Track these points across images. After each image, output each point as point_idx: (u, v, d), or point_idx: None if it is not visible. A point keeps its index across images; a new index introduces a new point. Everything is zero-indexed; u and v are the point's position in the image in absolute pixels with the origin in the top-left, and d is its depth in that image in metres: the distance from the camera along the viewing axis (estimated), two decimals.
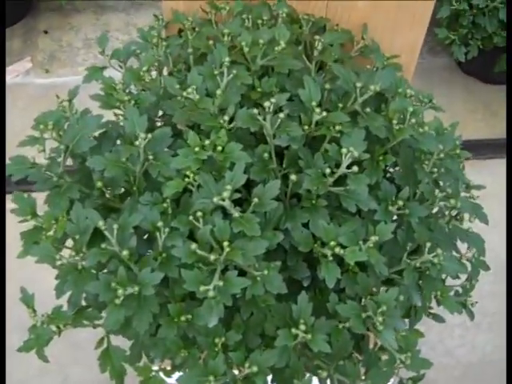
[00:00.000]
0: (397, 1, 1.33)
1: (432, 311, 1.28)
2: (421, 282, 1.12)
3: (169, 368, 1.18)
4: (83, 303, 1.11)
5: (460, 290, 1.28)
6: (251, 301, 1.06)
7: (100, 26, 2.67)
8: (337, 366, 1.08)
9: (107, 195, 1.11)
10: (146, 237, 1.08)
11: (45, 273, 1.12)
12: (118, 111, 1.19)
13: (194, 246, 0.95)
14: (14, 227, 1.17)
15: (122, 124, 1.18)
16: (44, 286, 1.16)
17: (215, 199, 0.97)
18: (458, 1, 2.29)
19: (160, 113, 1.22)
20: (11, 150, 2.15)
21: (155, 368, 1.19)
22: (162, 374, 1.20)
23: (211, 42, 1.19)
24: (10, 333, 1.87)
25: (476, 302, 1.30)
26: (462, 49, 2.37)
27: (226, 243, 0.96)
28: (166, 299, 1.07)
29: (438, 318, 1.25)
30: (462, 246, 1.26)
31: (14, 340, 1.82)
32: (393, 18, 1.37)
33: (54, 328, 1.09)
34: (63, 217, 1.09)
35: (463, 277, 1.29)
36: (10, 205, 2.04)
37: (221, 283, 0.95)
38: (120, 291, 0.94)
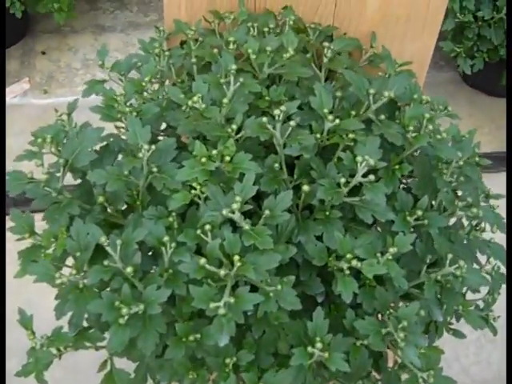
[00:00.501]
0: (407, 9, 1.29)
1: (452, 327, 1.22)
2: (441, 296, 1.06)
3: None
4: (85, 324, 1.05)
5: (481, 305, 1.22)
6: (263, 318, 1.00)
7: (98, 47, 2.62)
8: None
9: (109, 210, 1.06)
10: (150, 253, 1.03)
11: (45, 291, 1.06)
12: (119, 123, 1.14)
13: (202, 260, 0.90)
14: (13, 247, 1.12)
15: (123, 137, 1.14)
16: (44, 305, 1.10)
17: (224, 212, 0.92)
18: (463, 13, 2.25)
19: (163, 126, 1.17)
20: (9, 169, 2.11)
21: None
22: None
23: (216, 50, 1.14)
24: (8, 357, 1.80)
25: (498, 317, 1.23)
26: (468, 61, 2.33)
27: (236, 257, 0.90)
28: (173, 318, 1.01)
29: (458, 334, 1.19)
30: (481, 258, 1.21)
31: (12, 364, 1.76)
32: (402, 26, 1.33)
33: (54, 351, 1.03)
34: (63, 234, 1.03)
35: (483, 291, 1.23)
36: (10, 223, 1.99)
37: (232, 300, 0.89)
38: (124, 310, 0.89)
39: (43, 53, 2.63)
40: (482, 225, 1.14)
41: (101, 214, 1.06)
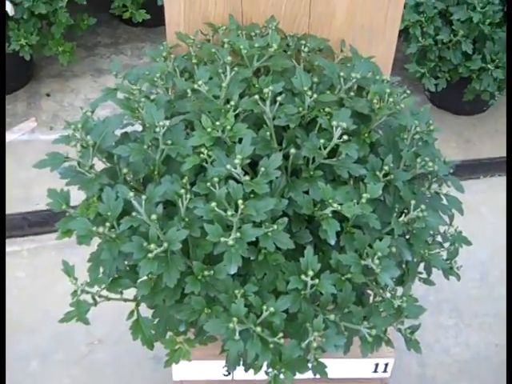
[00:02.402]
0: (368, 19, 1.53)
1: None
2: (409, 238, 1.28)
3: (192, 337, 1.31)
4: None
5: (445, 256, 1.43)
6: (263, 262, 1.22)
7: (98, 87, 2.88)
8: (342, 314, 1.22)
9: (131, 183, 1.27)
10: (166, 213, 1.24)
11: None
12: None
13: (213, 204, 1.11)
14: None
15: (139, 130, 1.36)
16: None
17: (228, 166, 1.15)
18: (424, 37, 2.53)
19: None
20: (23, 201, 2.32)
21: (179, 340, 1.32)
22: (186, 346, 1.33)
23: (213, 50, 1.38)
24: (28, 360, 1.98)
25: (461, 266, 1.44)
26: (432, 80, 2.60)
27: (240, 201, 1.12)
28: (189, 267, 1.21)
29: (428, 282, 1.40)
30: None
31: (32, 366, 1.94)
32: (367, 33, 1.57)
33: (90, 300, 1.23)
34: (94, 202, 1.24)
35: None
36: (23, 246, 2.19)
37: (238, 234, 1.11)
38: (152, 246, 1.10)
39: (48, 95, 2.87)
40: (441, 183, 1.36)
41: (124, 184, 1.27)
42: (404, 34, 2.68)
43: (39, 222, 2.31)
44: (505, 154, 2.75)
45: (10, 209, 2.33)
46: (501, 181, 2.65)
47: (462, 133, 2.86)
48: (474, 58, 2.52)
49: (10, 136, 2.66)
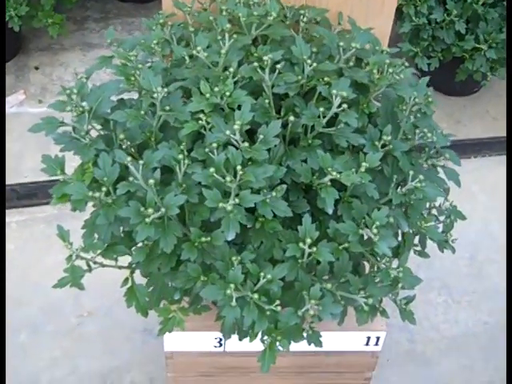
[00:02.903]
0: None
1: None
2: (406, 210, 1.27)
3: (186, 306, 1.31)
4: None
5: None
6: (260, 230, 1.21)
7: (88, 61, 2.85)
8: (339, 283, 1.22)
9: (127, 149, 1.25)
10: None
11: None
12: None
13: (211, 169, 1.10)
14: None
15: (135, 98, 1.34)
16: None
17: (227, 132, 1.14)
18: (418, 17, 2.53)
19: None
20: (12, 173, 2.31)
21: (173, 308, 1.32)
22: (180, 314, 1.32)
23: (211, 17, 1.36)
24: (18, 331, 1.97)
25: (456, 239, 1.44)
26: (425, 60, 2.60)
27: (239, 167, 1.11)
28: (185, 235, 1.20)
29: (423, 254, 1.40)
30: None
31: (22, 337, 1.93)
32: (364, 6, 1.56)
33: (84, 266, 1.22)
34: (89, 167, 1.23)
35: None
36: (11, 218, 2.18)
37: (236, 200, 1.10)
38: (149, 210, 1.08)
39: (36, 68, 2.84)
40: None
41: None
42: (397, 13, 2.67)
43: (28, 195, 2.29)
44: (494, 135, 2.77)
45: None
46: (491, 161, 2.67)
47: (452, 113, 2.86)
48: (467, 38, 2.52)
49: None
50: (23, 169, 2.39)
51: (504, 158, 2.67)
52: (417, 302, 2.10)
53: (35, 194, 2.27)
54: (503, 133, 2.78)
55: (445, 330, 2.09)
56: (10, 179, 2.34)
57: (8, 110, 2.63)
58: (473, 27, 2.53)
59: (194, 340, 1.61)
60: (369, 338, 1.65)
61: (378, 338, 1.65)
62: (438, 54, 2.61)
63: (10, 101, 2.68)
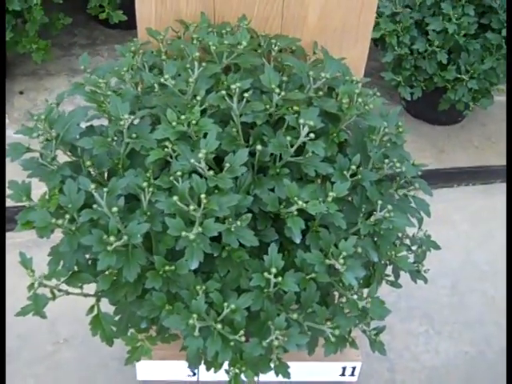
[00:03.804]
0: (341, 21, 1.53)
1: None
2: (376, 239, 1.27)
3: (154, 335, 1.29)
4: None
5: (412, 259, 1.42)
6: (227, 259, 1.20)
7: None
8: (306, 314, 1.20)
9: (94, 174, 1.25)
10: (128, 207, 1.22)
11: None
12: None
13: (175, 197, 1.10)
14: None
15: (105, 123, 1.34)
16: None
17: (192, 160, 1.13)
18: (400, 46, 2.54)
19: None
20: None
21: (141, 337, 1.30)
22: (148, 343, 1.30)
23: (182, 46, 1.36)
24: None
25: (428, 269, 1.43)
26: (408, 89, 2.61)
27: (203, 195, 1.10)
28: (151, 263, 1.19)
29: (395, 284, 1.39)
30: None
31: None
32: (339, 36, 1.57)
33: (48, 295, 1.20)
34: (55, 194, 1.22)
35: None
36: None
37: (200, 229, 1.09)
38: (112, 238, 1.07)
39: (21, 92, 2.84)
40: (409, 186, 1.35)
41: (87, 177, 1.25)
42: (381, 43, 2.69)
43: (7, 219, 2.27)
44: (479, 164, 2.77)
45: None
46: (474, 190, 2.67)
47: (436, 143, 2.87)
48: (449, 69, 2.54)
49: None
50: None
51: (487, 186, 2.68)
52: (397, 331, 2.12)
53: (13, 219, 2.25)
54: (487, 162, 2.79)
55: (425, 361, 2.07)
56: None
57: None
58: (454, 58, 2.55)
59: (167, 369, 1.60)
60: (344, 369, 1.63)
61: (353, 368, 1.63)
62: (420, 83, 2.62)
63: None
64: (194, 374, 1.62)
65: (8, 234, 2.29)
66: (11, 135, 2.60)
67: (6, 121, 2.71)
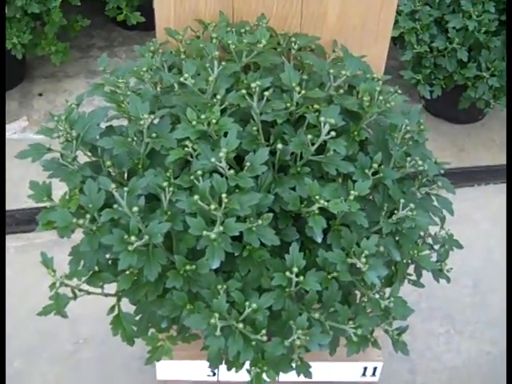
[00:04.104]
0: (361, 19, 1.51)
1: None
2: (398, 238, 1.25)
3: (175, 335, 1.29)
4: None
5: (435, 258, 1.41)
6: (248, 258, 1.19)
7: None
8: (327, 313, 1.19)
9: (114, 174, 1.25)
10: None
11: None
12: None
13: (196, 197, 1.09)
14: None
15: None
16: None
17: (213, 159, 1.12)
18: (420, 44, 2.52)
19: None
20: (11, 199, 2.30)
21: (162, 337, 1.30)
22: (168, 343, 1.30)
23: (202, 45, 1.36)
24: (13, 358, 1.95)
25: (451, 268, 1.41)
26: (427, 87, 2.59)
27: (224, 195, 1.10)
28: (172, 263, 1.19)
29: (417, 284, 1.37)
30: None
31: (17, 364, 1.91)
32: (358, 34, 1.56)
33: (70, 294, 1.20)
34: (76, 194, 1.22)
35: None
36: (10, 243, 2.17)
37: (221, 228, 1.08)
38: (133, 238, 1.07)
39: (40, 94, 2.86)
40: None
41: (107, 177, 1.25)
42: (399, 41, 2.67)
43: (26, 220, 2.29)
44: (500, 163, 2.74)
45: None
46: (495, 189, 2.64)
47: (456, 141, 2.84)
48: (470, 66, 2.51)
49: None
50: (22, 194, 2.37)
51: None
52: (418, 331, 2.10)
53: (34, 220, 2.26)
54: None
55: (447, 361, 2.05)
56: (10, 205, 2.34)
57: (11, 136, 2.65)
58: (475, 55, 2.52)
59: (187, 369, 1.59)
60: (365, 369, 1.62)
61: (375, 369, 1.62)
62: (440, 81, 2.60)
63: (14, 127, 2.69)
64: (214, 374, 1.61)
65: (26, 236, 2.31)
66: (32, 137, 2.61)
67: (26, 123, 2.72)
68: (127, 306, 1.29)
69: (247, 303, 1.11)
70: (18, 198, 2.37)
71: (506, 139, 1.87)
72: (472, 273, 2.29)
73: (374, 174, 1.25)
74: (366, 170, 1.24)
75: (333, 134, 1.18)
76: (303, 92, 1.23)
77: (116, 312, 1.25)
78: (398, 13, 2.53)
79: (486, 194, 2.61)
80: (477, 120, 2.93)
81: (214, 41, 1.35)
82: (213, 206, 1.09)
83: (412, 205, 1.21)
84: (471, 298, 2.23)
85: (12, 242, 2.24)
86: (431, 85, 2.61)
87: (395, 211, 1.24)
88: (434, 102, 2.72)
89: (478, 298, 2.22)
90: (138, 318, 1.29)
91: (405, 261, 1.29)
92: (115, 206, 1.12)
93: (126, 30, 3.26)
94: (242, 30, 1.41)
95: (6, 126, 2.69)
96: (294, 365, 1.19)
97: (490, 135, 2.90)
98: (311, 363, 1.19)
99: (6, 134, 2.65)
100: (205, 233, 1.08)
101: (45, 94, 2.87)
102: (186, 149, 1.18)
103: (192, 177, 1.14)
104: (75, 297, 1.20)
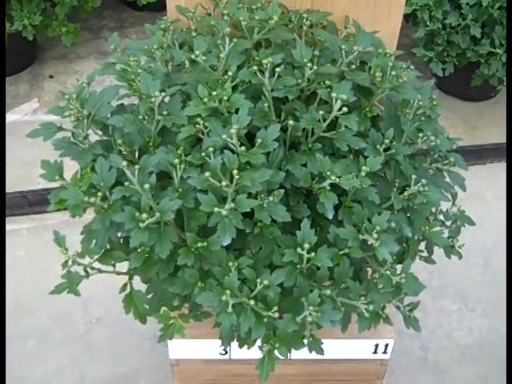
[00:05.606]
0: None
1: None
2: (409, 214, 1.25)
3: (186, 312, 1.29)
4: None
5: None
6: (259, 235, 1.19)
7: None
8: (339, 290, 1.19)
9: (125, 153, 1.25)
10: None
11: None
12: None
13: (207, 174, 1.09)
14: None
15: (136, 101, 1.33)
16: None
17: (224, 136, 1.12)
18: (432, 21, 2.50)
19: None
20: (24, 180, 2.31)
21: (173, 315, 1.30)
22: (180, 321, 1.30)
23: (213, 22, 1.35)
24: (26, 339, 1.97)
25: (463, 245, 1.41)
26: (440, 65, 2.57)
27: (235, 171, 1.09)
28: (183, 240, 1.19)
29: (429, 260, 1.37)
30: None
31: (30, 345, 1.92)
32: (371, 10, 1.54)
33: (82, 272, 1.21)
34: (87, 172, 1.22)
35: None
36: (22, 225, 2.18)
37: (232, 205, 1.08)
38: (144, 215, 1.07)
39: (51, 76, 2.86)
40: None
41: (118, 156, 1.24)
42: (412, 18, 2.65)
43: (39, 201, 2.30)
44: None
45: (11, 188, 2.32)
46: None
47: (468, 119, 2.82)
48: (483, 43, 2.48)
49: (12, 116, 2.65)
50: (35, 175, 2.38)
51: None
52: (430, 309, 2.10)
53: (46, 201, 2.27)
54: None
55: (458, 338, 2.05)
56: (22, 186, 2.35)
57: (22, 117, 2.65)
58: (488, 31, 2.49)
59: (199, 347, 1.60)
60: (377, 346, 1.62)
61: (386, 346, 1.62)
62: (453, 58, 2.58)
63: (25, 109, 2.70)
64: (226, 353, 1.62)
65: (38, 217, 2.32)
66: (43, 118, 2.61)
67: (37, 104, 2.73)
68: (139, 285, 1.29)
69: (258, 280, 1.11)
70: (30, 180, 2.38)
71: (506, 137, 1.85)
72: (483, 251, 2.28)
73: (385, 149, 1.24)
74: (378, 146, 1.23)
75: (344, 109, 1.17)
76: (315, 68, 1.22)
77: (128, 290, 1.26)
78: None
79: (498, 173, 2.60)
80: (489, 97, 2.91)
81: (225, 17, 1.34)
82: (224, 183, 1.08)
83: (424, 180, 1.20)
84: (482, 276, 2.23)
85: (24, 223, 2.26)
86: (443, 62, 2.59)
87: (407, 187, 1.23)
88: (445, 79, 2.70)
89: (489, 276, 2.22)
90: (149, 296, 1.30)
91: (416, 237, 1.28)
92: (126, 183, 1.12)
93: (136, 11, 3.26)
94: (254, 7, 1.40)
95: (17, 108, 2.69)
96: (305, 341, 1.19)
97: (503, 113, 2.87)
98: (323, 341, 1.19)
99: (17, 116, 2.65)
100: (216, 209, 1.08)
101: (55, 75, 2.88)
102: (197, 126, 1.17)
103: (203, 154, 1.13)
104: (87, 275, 1.21)
